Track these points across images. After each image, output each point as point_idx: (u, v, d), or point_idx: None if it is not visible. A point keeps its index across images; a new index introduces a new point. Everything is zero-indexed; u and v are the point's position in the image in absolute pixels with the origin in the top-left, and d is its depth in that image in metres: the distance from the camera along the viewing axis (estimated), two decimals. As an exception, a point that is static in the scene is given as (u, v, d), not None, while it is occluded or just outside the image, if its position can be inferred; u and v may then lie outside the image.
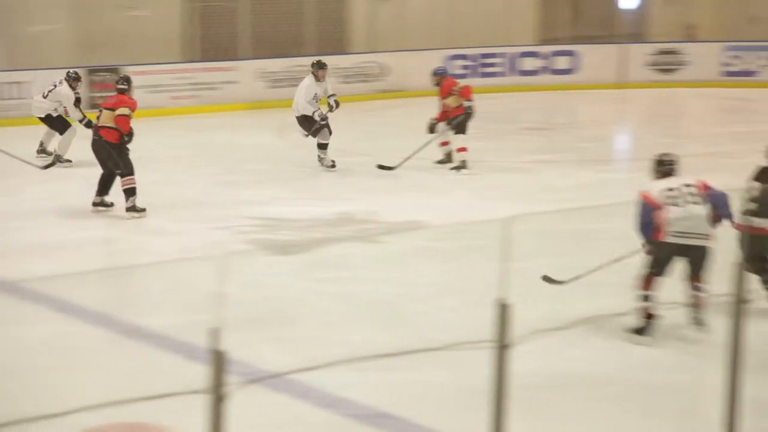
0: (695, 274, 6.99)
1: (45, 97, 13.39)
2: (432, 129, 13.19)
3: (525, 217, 9.31)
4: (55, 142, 13.46)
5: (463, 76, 21.40)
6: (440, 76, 13.53)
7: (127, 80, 11.03)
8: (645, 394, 6.06)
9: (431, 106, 19.99)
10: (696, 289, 7.00)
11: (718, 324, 4.02)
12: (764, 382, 5.78)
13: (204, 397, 3.10)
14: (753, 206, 7.37)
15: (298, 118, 13.31)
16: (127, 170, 10.51)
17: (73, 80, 13.47)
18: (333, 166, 13.09)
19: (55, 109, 13.40)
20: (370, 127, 17.63)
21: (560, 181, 12.38)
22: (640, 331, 6.83)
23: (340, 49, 21.47)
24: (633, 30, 23.60)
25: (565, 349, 6.45)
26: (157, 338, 6.97)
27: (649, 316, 6.85)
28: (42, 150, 13.62)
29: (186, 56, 19.73)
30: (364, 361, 4.06)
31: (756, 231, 7.29)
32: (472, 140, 13.15)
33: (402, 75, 20.97)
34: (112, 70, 17.21)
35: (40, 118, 13.51)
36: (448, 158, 13.20)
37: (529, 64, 21.77)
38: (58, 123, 13.42)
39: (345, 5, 21.71)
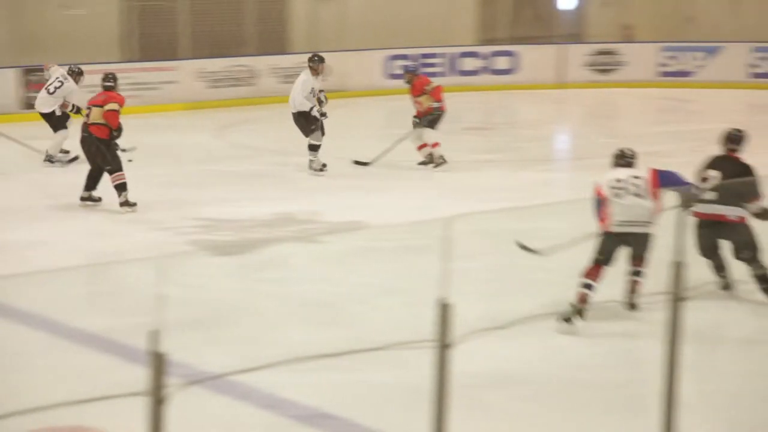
0: (637, 258, 7.33)
1: (51, 94, 13.34)
2: (416, 126, 13.21)
3: (466, 216, 9.34)
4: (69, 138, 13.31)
5: (402, 76, 21.49)
6: (411, 74, 13.53)
7: (113, 77, 11.17)
8: (583, 392, 6.10)
9: (372, 106, 20.05)
10: (635, 273, 7.32)
11: (658, 320, 4.06)
12: (701, 378, 5.86)
13: (144, 400, 3.08)
14: (713, 195, 7.65)
15: (294, 114, 13.03)
16: (116, 166, 10.74)
17: (76, 75, 13.47)
18: (323, 169, 12.75)
19: (59, 106, 13.36)
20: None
21: (501, 180, 12.44)
22: (568, 317, 6.93)
23: (281, 48, 21.40)
24: (571, 30, 23.81)
25: (506, 348, 6.48)
26: (96, 340, 6.90)
27: (583, 301, 7.05)
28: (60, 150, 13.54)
29: (125, 56, 19.56)
30: (306, 361, 4.06)
31: (715, 218, 7.61)
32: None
33: (343, 75, 20.95)
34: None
35: (43, 114, 13.37)
36: (430, 159, 13.16)
37: (469, 64, 21.87)
38: (55, 120, 13.34)
39: (285, 5, 21.65)
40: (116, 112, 10.78)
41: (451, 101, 13.45)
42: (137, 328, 4.12)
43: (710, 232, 7.68)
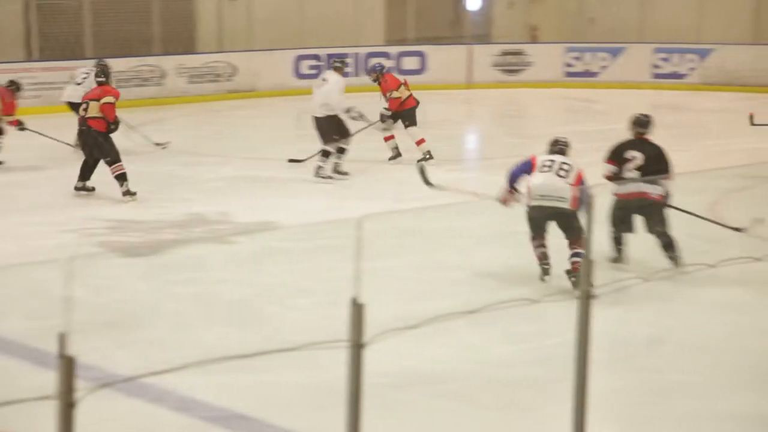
0: (570, 239, 7.99)
1: (80, 84, 13.88)
2: (383, 119, 13.57)
3: (378, 216, 9.38)
4: None
5: (312, 77, 21.48)
6: (377, 73, 13.85)
7: (104, 73, 11.73)
8: (496, 390, 6.17)
9: (282, 106, 19.99)
10: (574, 255, 7.91)
11: (568, 317, 4.13)
12: (609, 374, 5.97)
13: (53, 404, 3.04)
14: (636, 174, 8.44)
15: (322, 119, 12.46)
16: (115, 157, 11.22)
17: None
18: (343, 175, 12.48)
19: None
20: (219, 127, 17.49)
21: (411, 180, 12.50)
22: (544, 274, 8.04)
23: (189, 48, 21.27)
24: (478, 31, 24.02)
25: (419, 347, 6.52)
26: (4, 344, 6.79)
27: (544, 259, 8.05)
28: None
29: (27, 55, 19.24)
30: (219, 362, 4.03)
31: (638, 195, 8.42)
32: (315, 140, 13.16)
33: (251, 75, 20.88)
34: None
35: (74, 104, 13.59)
36: (397, 153, 13.46)
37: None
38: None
39: (192, 4, 21.51)
40: (112, 105, 11.24)
41: (359, 101, 13.49)
42: (47, 332, 4.06)
43: (629, 207, 8.39)
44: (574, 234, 7.94)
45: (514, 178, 8.34)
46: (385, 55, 22.01)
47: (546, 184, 8.04)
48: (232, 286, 8.19)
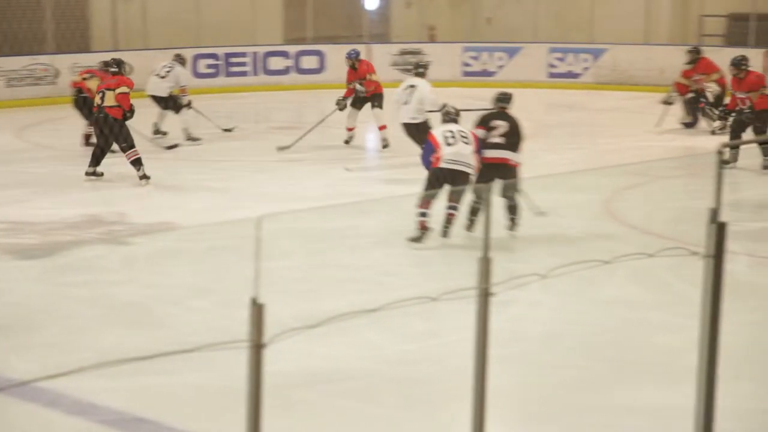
0: (455, 194, 9.19)
1: (163, 78, 15.02)
2: (342, 107, 14.88)
3: (277, 215, 9.35)
4: (167, 122, 15.02)
5: (210, 76, 21.33)
6: (353, 60, 15.02)
7: (117, 63, 12.52)
8: (398, 388, 6.20)
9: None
10: (451, 207, 9.22)
11: (467, 315, 4.16)
12: (507, 370, 6.04)
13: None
14: (502, 140, 9.49)
15: (413, 126, 12.59)
16: (130, 144, 11.97)
17: (183, 60, 15.43)
18: None
19: (170, 89, 15.03)
20: (115, 126, 17.21)
21: (312, 179, 12.49)
22: (416, 239, 9.05)
23: (83, 47, 20.93)
24: (376, 31, 24.09)
25: (319, 347, 6.52)
26: None
27: (424, 228, 9.05)
28: (157, 131, 15.01)
29: None
30: (116, 365, 3.98)
31: (500, 161, 9.46)
32: (224, 139, 13.11)
33: (147, 74, 20.63)
34: None
35: (158, 97, 14.97)
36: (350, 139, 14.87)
37: (277, 63, 21.88)
38: (171, 103, 15.00)
39: (86, 2, 21.17)
40: (127, 95, 12.05)
41: (258, 100, 13.45)
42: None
43: (490, 172, 9.30)
44: (459, 193, 9.24)
45: (427, 160, 9.43)
46: (284, 54, 21.97)
47: (459, 152, 9.22)
48: (129, 288, 8.09)
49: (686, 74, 16.29)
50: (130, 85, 12.27)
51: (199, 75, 20.97)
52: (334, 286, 7.79)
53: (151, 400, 5.88)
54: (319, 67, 22.15)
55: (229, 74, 21.45)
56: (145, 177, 11.98)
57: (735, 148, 12.73)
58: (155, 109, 15.25)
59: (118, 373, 5.61)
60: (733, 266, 4.64)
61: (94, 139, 13.19)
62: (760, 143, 13.14)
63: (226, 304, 7.37)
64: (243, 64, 21.61)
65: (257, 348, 3.41)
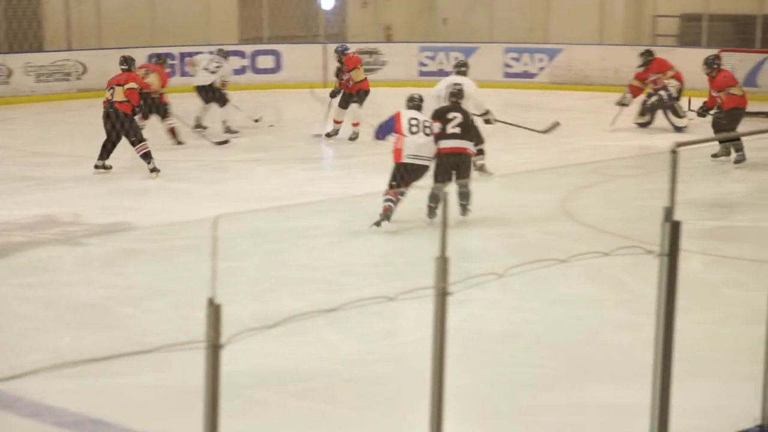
0: (410, 182, 9.86)
1: (213, 73, 15.78)
2: (333, 94, 15.42)
3: (235, 215, 9.31)
4: (209, 116, 15.59)
5: (334, 56, 21.19)
6: (340, 54, 15.59)
7: (126, 61, 13.04)
8: (356, 388, 6.20)
9: (134, 105, 19.55)
10: (401, 194, 9.81)
11: (424, 315, 4.17)
12: (465, 370, 6.06)
13: None
14: (458, 131, 10.07)
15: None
16: (139, 138, 12.44)
17: (226, 55, 16.26)
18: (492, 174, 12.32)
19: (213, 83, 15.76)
20: (69, 127, 17.12)
21: (268, 179, 12.47)
22: (378, 223, 9.56)
23: (36, 46, 20.74)
24: (333, 30, 24.06)
25: (277, 347, 6.51)
26: None
27: (387, 211, 9.64)
28: (198, 125, 15.48)
29: None
30: (72, 366, 3.95)
31: (458, 150, 10.04)
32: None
33: (102, 74, 20.48)
34: None
35: (203, 88, 15.73)
36: (335, 133, 15.35)
37: (233, 63, 21.77)
38: (217, 95, 15.74)
39: (39, 2, 20.99)
40: (135, 90, 12.54)
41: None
42: None
43: (449, 161, 10.00)
44: (415, 181, 9.95)
45: (382, 134, 10.21)
46: (240, 54, 21.88)
47: (420, 145, 9.92)
48: (84, 289, 8.03)
49: (639, 76, 16.43)
50: (138, 81, 12.81)
51: (154, 75, 20.84)
52: (292, 286, 7.78)
53: (108, 401, 5.84)
54: (276, 66, 22.10)
55: (185, 74, 21.33)
56: (155, 170, 12.36)
57: (723, 142, 13.08)
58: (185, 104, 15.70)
59: (75, 375, 5.56)
60: (687, 264, 4.68)
61: (180, 137, 14.65)
62: (727, 140, 13.35)
63: (183, 305, 7.34)
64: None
65: (214, 348, 3.40)
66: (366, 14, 24.99)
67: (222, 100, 15.77)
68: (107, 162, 12.65)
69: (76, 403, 5.76)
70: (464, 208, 10.06)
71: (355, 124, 15.21)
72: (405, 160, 9.87)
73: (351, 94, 15.30)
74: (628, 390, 5.90)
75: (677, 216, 4.21)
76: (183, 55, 21.36)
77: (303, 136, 15.85)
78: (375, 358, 6.70)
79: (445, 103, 12.15)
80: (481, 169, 12.25)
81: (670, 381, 4.30)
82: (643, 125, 16.45)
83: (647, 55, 16.49)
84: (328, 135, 15.39)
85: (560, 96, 21.03)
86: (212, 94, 15.75)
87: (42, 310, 7.54)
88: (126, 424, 5.61)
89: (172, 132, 14.77)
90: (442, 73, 22.64)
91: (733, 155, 13.25)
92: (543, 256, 5.37)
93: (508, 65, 22.66)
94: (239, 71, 21.76)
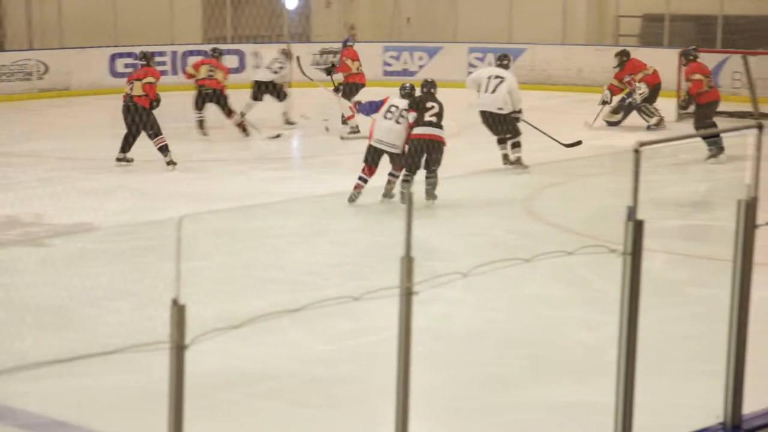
0: (395, 165, 10.77)
1: (275, 73, 16.56)
2: (329, 72, 16.54)
3: (198, 215, 9.28)
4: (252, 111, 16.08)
5: (128, 75, 21.08)
6: (342, 45, 16.86)
7: (145, 56, 13.50)
8: (321, 388, 6.19)
9: (97, 105, 19.57)
10: (391, 175, 10.79)
11: (392, 313, 4.17)
12: (431, 369, 6.07)
13: None
14: (434, 119, 10.77)
15: (498, 116, 12.86)
16: (157, 131, 12.82)
17: (290, 55, 16.96)
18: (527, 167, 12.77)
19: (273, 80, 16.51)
20: (31, 127, 16.99)
21: (231, 179, 12.42)
22: (352, 199, 10.61)
23: (-3, 46, 20.60)
24: (297, 30, 24.02)
25: (241, 347, 6.49)
26: None
27: (358, 188, 10.67)
28: (242, 117, 15.85)
29: None
30: (34, 368, 3.93)
31: (432, 137, 10.71)
32: (143, 138, 13.00)
33: (64, 73, 20.38)
34: None
35: (261, 84, 16.47)
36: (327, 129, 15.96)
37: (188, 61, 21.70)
38: (278, 90, 16.54)
39: (0, 1, 20.83)
40: (153, 85, 12.89)
41: (177, 100, 13.36)
42: None
43: (421, 146, 10.67)
44: (396, 163, 10.76)
45: (365, 111, 11.22)
46: (204, 53, 21.78)
47: (387, 130, 10.81)
48: (47, 290, 7.96)
49: (617, 76, 16.61)
50: (156, 75, 13.14)
51: (117, 74, 20.73)
52: (257, 286, 7.76)
53: (70, 403, 5.80)
54: (239, 66, 22.02)
55: (115, 75, 21.23)
56: (171, 163, 12.73)
57: (707, 138, 13.36)
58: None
59: (37, 377, 5.52)
60: (650, 263, 4.72)
61: (248, 130, 15.42)
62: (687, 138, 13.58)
63: (146, 306, 7.29)
64: (162, 63, 21.38)
65: (179, 349, 3.39)
66: (330, 14, 24.97)
67: (281, 95, 16.51)
68: (128, 155, 12.99)
69: (39, 405, 5.72)
70: (429, 193, 10.67)
71: (350, 117, 15.78)
72: (372, 143, 10.84)
73: (347, 84, 16.26)
74: (593, 388, 5.93)
75: (640, 215, 4.23)
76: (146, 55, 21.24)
77: (267, 136, 15.81)
78: (340, 358, 6.69)
79: (483, 90, 13.04)
80: (517, 161, 12.84)
81: (633, 379, 4.32)
82: (612, 124, 16.57)
83: (622, 55, 16.65)
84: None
85: (523, 95, 21.01)
86: (270, 90, 16.43)
87: (3, 311, 7.46)
88: (90, 426, 5.57)
89: (241, 127, 15.54)
90: (406, 73, 22.73)
91: (707, 150, 13.41)
92: (508, 256, 5.40)
93: (472, 65, 22.68)
94: (203, 71, 21.65)
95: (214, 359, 6.00)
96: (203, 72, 15.62)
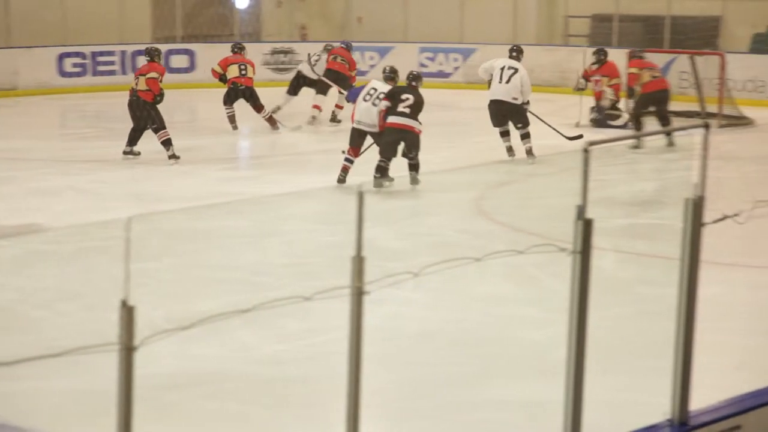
0: (359, 146, 11.73)
1: (314, 65, 16.97)
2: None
3: (148, 216, 9.23)
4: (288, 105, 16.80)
5: (76, 75, 20.91)
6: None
7: (151, 52, 13.86)
8: (272, 389, 6.18)
9: (46, 105, 19.38)
10: (347, 160, 11.60)
11: (343, 313, 4.16)
12: (382, 369, 6.07)
13: None
14: (407, 110, 11.38)
15: (512, 105, 13.29)
16: (161, 125, 13.22)
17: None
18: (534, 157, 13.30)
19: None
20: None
21: (182, 179, 12.36)
22: (340, 180, 11.53)
23: (-57, 44, 20.35)
24: (247, 30, 23.94)
25: (192, 349, 6.46)
26: None
27: (345, 171, 11.57)
28: (276, 110, 16.55)
29: None
30: (-19, 372, 3.89)
31: (404, 127, 11.33)
32: (92, 139, 12.93)
33: (11, 73, 20.16)
34: None
35: (309, 79, 17.00)
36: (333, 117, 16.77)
37: (145, 62, 21.53)
38: (320, 85, 16.79)
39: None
40: (156, 80, 13.25)
41: (127, 100, 13.28)
42: None
43: (394, 136, 11.37)
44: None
45: (352, 98, 12.07)
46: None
47: (364, 110, 11.64)
48: (-5, 292, 7.88)
49: (590, 72, 16.70)
50: (160, 71, 13.47)
51: (65, 74, 20.57)
52: (207, 287, 7.72)
53: (18, 406, 5.75)
54: (190, 66, 21.91)
55: (97, 73, 21.06)
56: (174, 156, 13.15)
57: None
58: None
59: (-16, 380, 5.48)
60: (599, 262, 4.75)
61: (277, 124, 16.01)
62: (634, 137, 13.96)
63: (95, 307, 7.24)
64: (111, 63, 21.25)
65: (128, 351, 3.37)
66: (281, 14, 24.91)
67: (323, 89, 16.74)
68: (135, 148, 13.36)
69: (-14, 409, 5.66)
70: (414, 178, 11.37)
71: (315, 107, 16.65)
72: (354, 125, 11.75)
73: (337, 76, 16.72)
74: (543, 386, 5.96)
75: (589, 214, 4.26)
76: (95, 55, 21.09)
77: (217, 135, 15.75)
78: (291, 359, 6.68)
79: (497, 80, 13.44)
80: (529, 152, 13.27)
81: (583, 377, 4.35)
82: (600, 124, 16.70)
83: (600, 53, 16.79)
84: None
85: (475, 95, 21.09)
86: (314, 83, 16.88)
87: (-52, 314, 7.38)
88: (38, 429, 5.51)
89: (271, 121, 16.08)
90: (357, 73, 22.71)
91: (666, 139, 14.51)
92: (458, 255, 5.44)
93: (422, 65, 22.74)
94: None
95: (164, 361, 5.97)
96: (235, 71, 16.11)
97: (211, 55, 21.88)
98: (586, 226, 4.25)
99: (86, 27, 21.35)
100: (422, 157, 13.43)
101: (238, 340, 6.79)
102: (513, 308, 7.68)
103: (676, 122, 15.25)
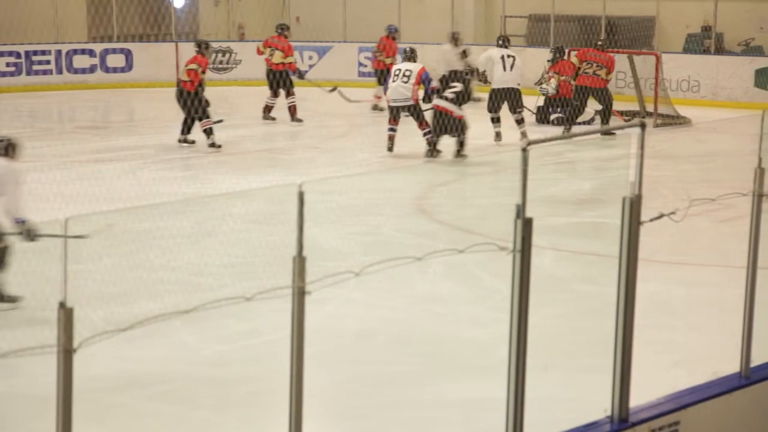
0: (419, 124, 13.45)
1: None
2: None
3: (85, 217, 9.12)
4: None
5: (10, 74, 20.64)
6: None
7: (199, 45, 14.72)
8: (213, 390, 6.15)
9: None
10: (425, 134, 13.40)
11: (284, 313, 4.15)
12: (323, 369, 6.07)
13: None
14: (452, 95, 13.14)
15: (513, 90, 14.50)
16: (204, 114, 13.96)
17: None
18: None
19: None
20: None
21: (118, 179, 12.24)
22: (390, 148, 13.50)
23: None
24: (185, 29, 23.78)
25: (133, 350, 6.40)
26: None
27: (391, 140, 13.46)
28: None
29: None
30: None
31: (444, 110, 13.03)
32: (27, 139, 12.70)
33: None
34: None
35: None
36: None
37: (81, 62, 21.32)
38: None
39: None
40: (195, 71, 13.99)
41: (63, 99, 13.13)
42: None
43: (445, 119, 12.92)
44: (419, 120, 13.40)
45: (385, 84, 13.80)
46: (89, 52, 21.44)
47: (395, 90, 13.36)
48: (-73, 296, 7.74)
49: (549, 69, 17.00)
50: (201, 63, 14.16)
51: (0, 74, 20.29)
52: (147, 288, 7.65)
53: (-46, 411, 5.66)
54: (126, 65, 21.72)
55: (32, 73, 20.80)
56: (213, 145, 13.89)
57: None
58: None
59: None
60: (539, 260, 4.78)
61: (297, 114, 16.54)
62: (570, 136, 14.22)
63: (33, 309, 7.14)
64: (46, 62, 20.99)
65: (67, 353, 3.33)
66: (218, 13, 24.77)
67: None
68: (189, 137, 14.19)
69: None
70: (458, 152, 13.26)
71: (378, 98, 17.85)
72: (390, 104, 13.43)
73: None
74: (485, 384, 5.99)
75: (529, 213, 4.28)
76: (29, 54, 20.83)
77: (154, 135, 15.63)
78: (233, 359, 6.65)
79: (502, 69, 14.45)
80: (524, 134, 14.19)
81: (524, 375, 4.38)
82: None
83: (557, 52, 17.05)
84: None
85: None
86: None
87: None
88: (-26, 434, 5.45)
89: (292, 110, 16.57)
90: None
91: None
92: (399, 254, 5.45)
93: (362, 64, 22.74)
94: (88, 70, 21.35)
95: (104, 363, 5.91)
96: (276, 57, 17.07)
97: (147, 54, 21.74)
98: (525, 225, 4.28)
99: (20, 26, 21.08)
100: (363, 156, 13.48)
101: (179, 341, 6.75)
102: (454, 307, 7.71)
103: (613, 122, 15.41)
